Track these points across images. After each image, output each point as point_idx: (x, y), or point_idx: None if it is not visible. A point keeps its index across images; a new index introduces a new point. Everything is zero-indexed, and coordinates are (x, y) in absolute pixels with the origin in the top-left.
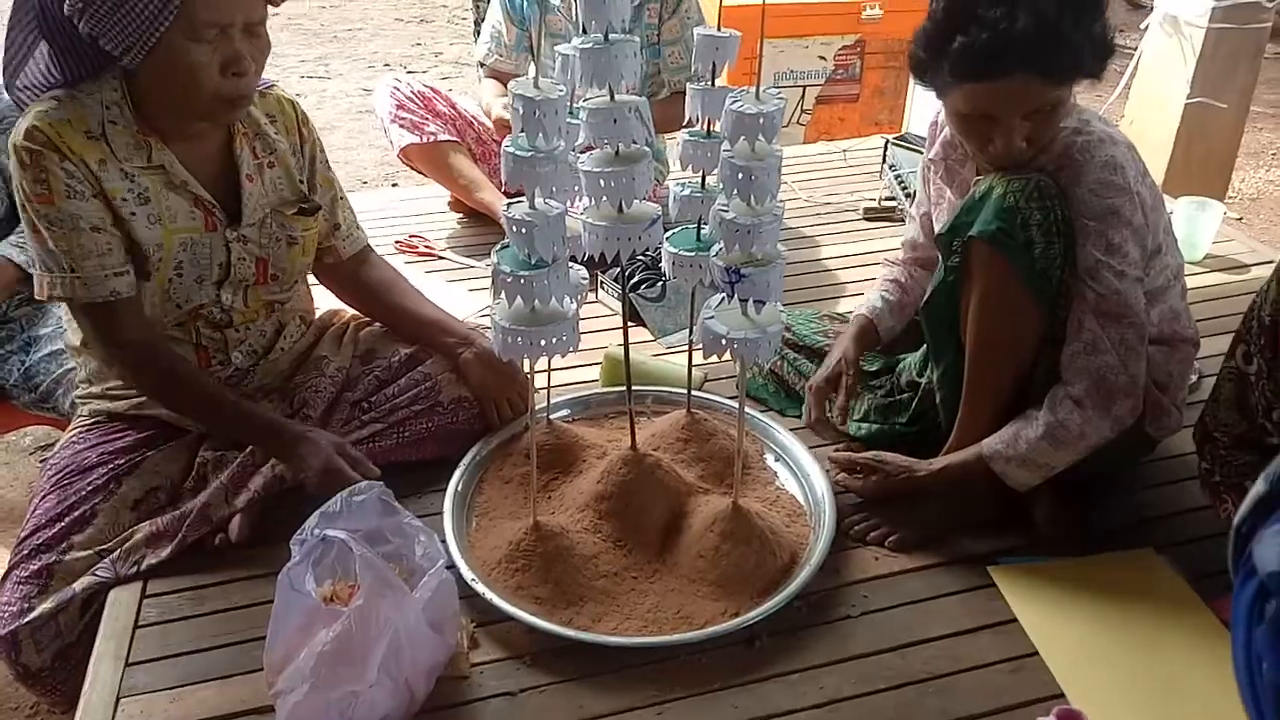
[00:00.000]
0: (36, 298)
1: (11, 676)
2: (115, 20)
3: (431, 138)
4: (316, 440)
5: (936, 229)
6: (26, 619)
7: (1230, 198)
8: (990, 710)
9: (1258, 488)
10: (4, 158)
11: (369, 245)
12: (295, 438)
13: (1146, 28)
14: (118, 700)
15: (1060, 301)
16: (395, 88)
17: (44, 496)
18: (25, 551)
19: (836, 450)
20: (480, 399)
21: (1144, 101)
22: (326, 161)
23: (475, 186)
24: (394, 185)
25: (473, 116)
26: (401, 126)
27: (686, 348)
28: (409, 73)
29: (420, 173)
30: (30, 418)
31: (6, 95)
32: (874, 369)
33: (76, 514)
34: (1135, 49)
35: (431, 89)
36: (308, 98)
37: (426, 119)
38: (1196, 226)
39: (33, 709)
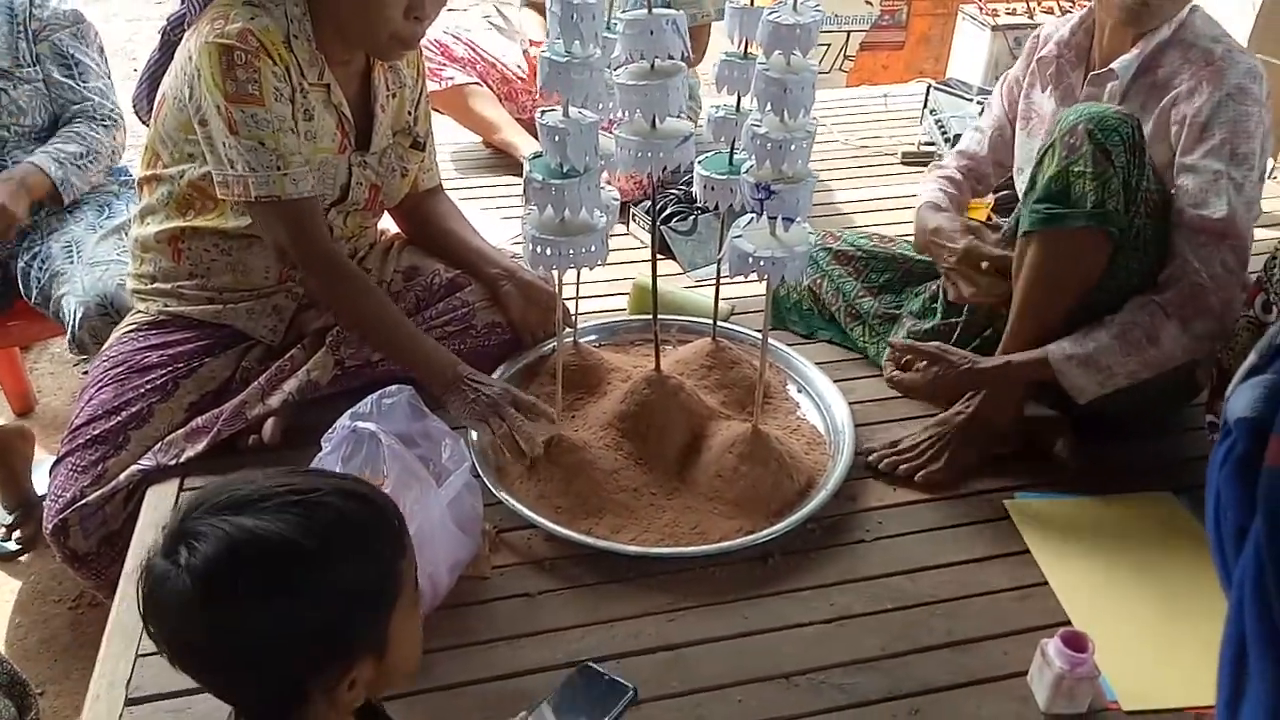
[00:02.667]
0: (226, 198)
1: (59, 559)
2: None
3: (449, 82)
4: (483, 382)
5: (1020, 148)
6: (76, 505)
7: None
8: (996, 633)
9: (1248, 360)
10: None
11: (441, 183)
12: (462, 375)
13: None
14: None
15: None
16: None
17: (100, 388)
18: (81, 441)
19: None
20: (519, 330)
21: None
22: (429, 99)
23: (495, 128)
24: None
25: (494, 58)
26: None
27: (714, 280)
28: (449, 10)
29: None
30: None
31: None
32: (918, 305)
33: (134, 410)
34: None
35: (452, 34)
36: None
37: (444, 65)
38: None
39: (75, 600)
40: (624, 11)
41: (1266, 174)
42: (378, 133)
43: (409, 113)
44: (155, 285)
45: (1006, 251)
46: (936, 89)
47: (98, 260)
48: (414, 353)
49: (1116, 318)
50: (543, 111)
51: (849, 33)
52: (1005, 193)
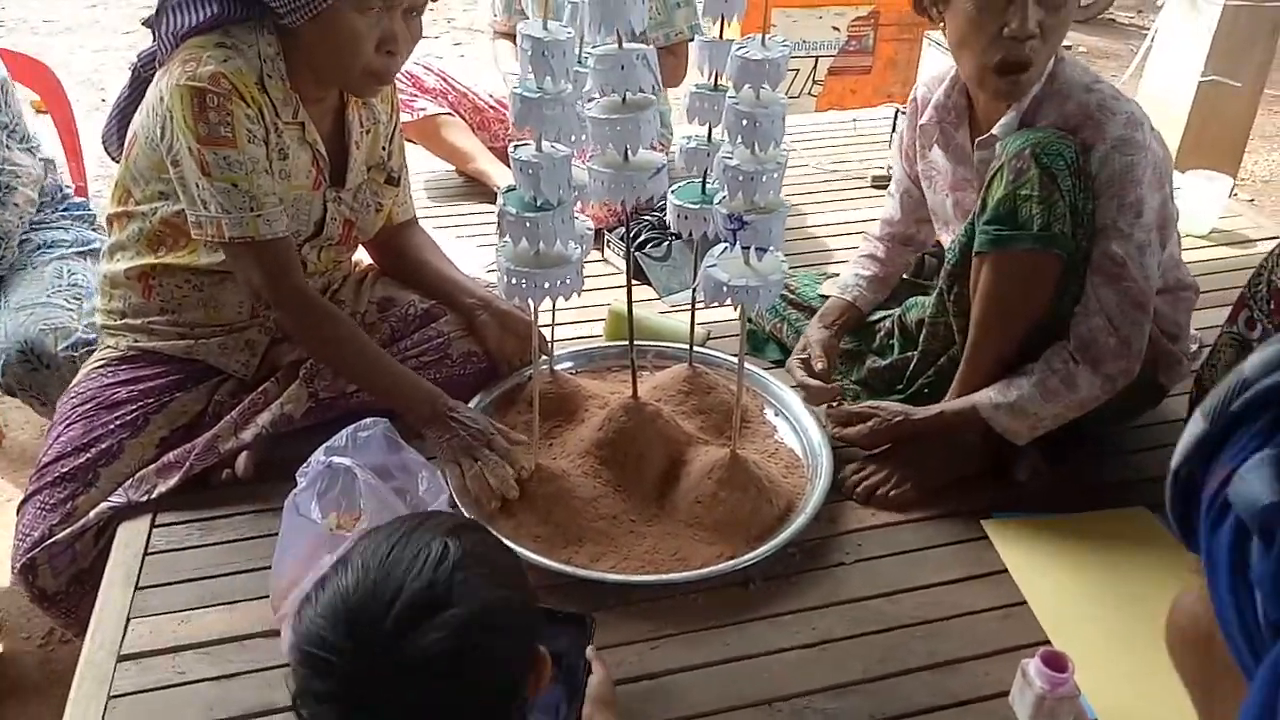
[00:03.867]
0: (200, 238)
1: (28, 598)
2: None
3: (421, 113)
4: (465, 419)
5: (931, 204)
6: (45, 544)
7: (1243, 179)
8: (977, 654)
9: (1195, 427)
10: None
11: (415, 216)
12: (443, 410)
13: (1163, 5)
14: (128, 620)
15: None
16: None
17: (68, 425)
18: (50, 478)
19: (832, 408)
20: (495, 359)
21: (1158, 80)
22: (402, 133)
23: (468, 157)
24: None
25: (466, 88)
26: None
27: (690, 306)
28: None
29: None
30: None
31: None
32: (876, 343)
33: (104, 446)
34: (1151, 28)
35: (423, 65)
36: None
37: (415, 96)
38: (1204, 200)
39: (44, 639)
40: (594, 46)
41: (1172, 198)
42: (352, 169)
43: (383, 148)
44: (125, 321)
45: (811, 383)
46: (905, 112)
47: (24, 304)
48: (393, 387)
49: (1035, 366)
50: (516, 146)
51: (817, 58)
52: None
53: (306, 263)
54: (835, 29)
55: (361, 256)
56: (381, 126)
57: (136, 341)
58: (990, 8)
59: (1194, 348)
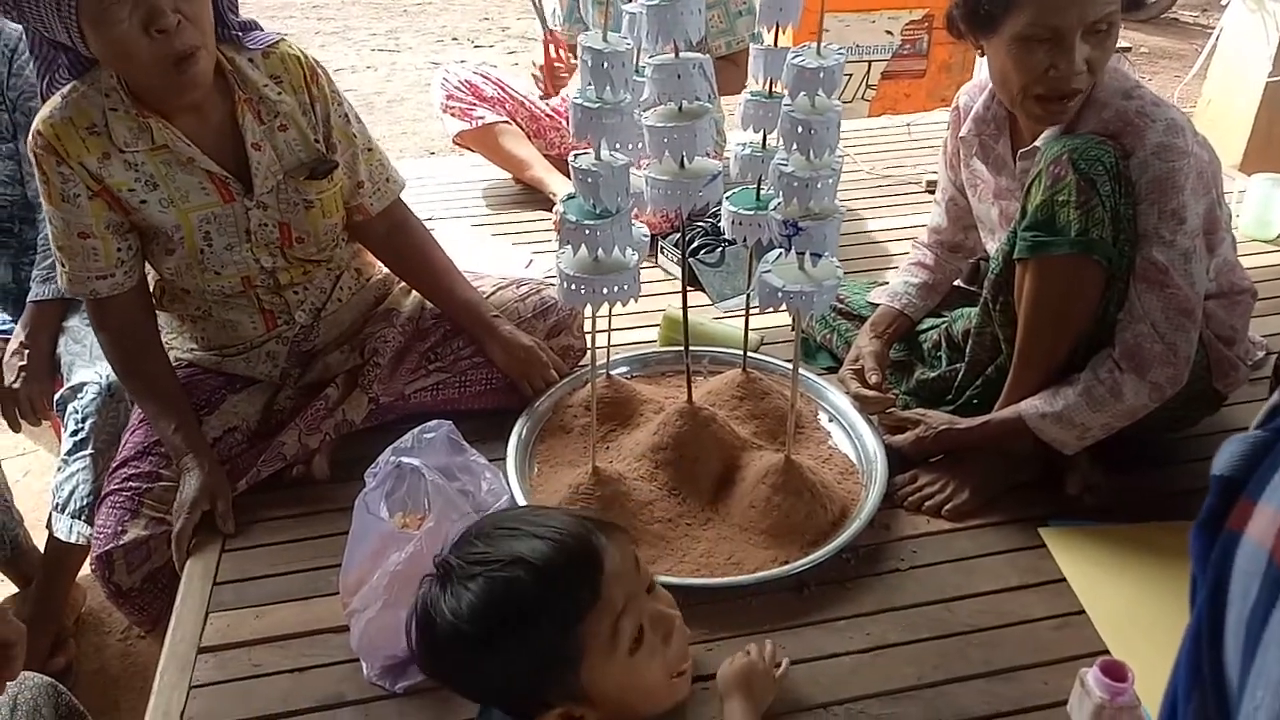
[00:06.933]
0: None
1: (104, 594)
2: (30, 10)
3: (479, 121)
4: (207, 476)
5: (977, 211)
6: (121, 541)
7: None
8: (1033, 663)
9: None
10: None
11: (400, 200)
12: (195, 465)
13: (1227, 5)
14: (207, 614)
15: (1127, 251)
16: (444, 79)
17: (133, 431)
18: (118, 480)
19: (885, 415)
20: (511, 379)
21: (1223, 80)
22: (347, 116)
23: (525, 165)
24: (461, 154)
25: (523, 97)
26: (451, 115)
27: (743, 311)
28: (476, 47)
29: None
30: None
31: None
32: (924, 353)
33: (163, 449)
34: (1215, 27)
35: (481, 75)
36: (378, 70)
37: (474, 105)
38: (1271, 203)
39: (124, 632)
40: (652, 55)
41: (1221, 202)
42: (258, 174)
43: (316, 141)
44: (171, 338)
45: (866, 393)
46: None
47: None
48: (180, 433)
49: (1081, 376)
50: (576, 155)
51: (870, 62)
52: None
53: (277, 273)
54: (889, 33)
55: None
56: (301, 117)
57: (182, 355)
58: (1038, 51)
59: (1261, 354)
